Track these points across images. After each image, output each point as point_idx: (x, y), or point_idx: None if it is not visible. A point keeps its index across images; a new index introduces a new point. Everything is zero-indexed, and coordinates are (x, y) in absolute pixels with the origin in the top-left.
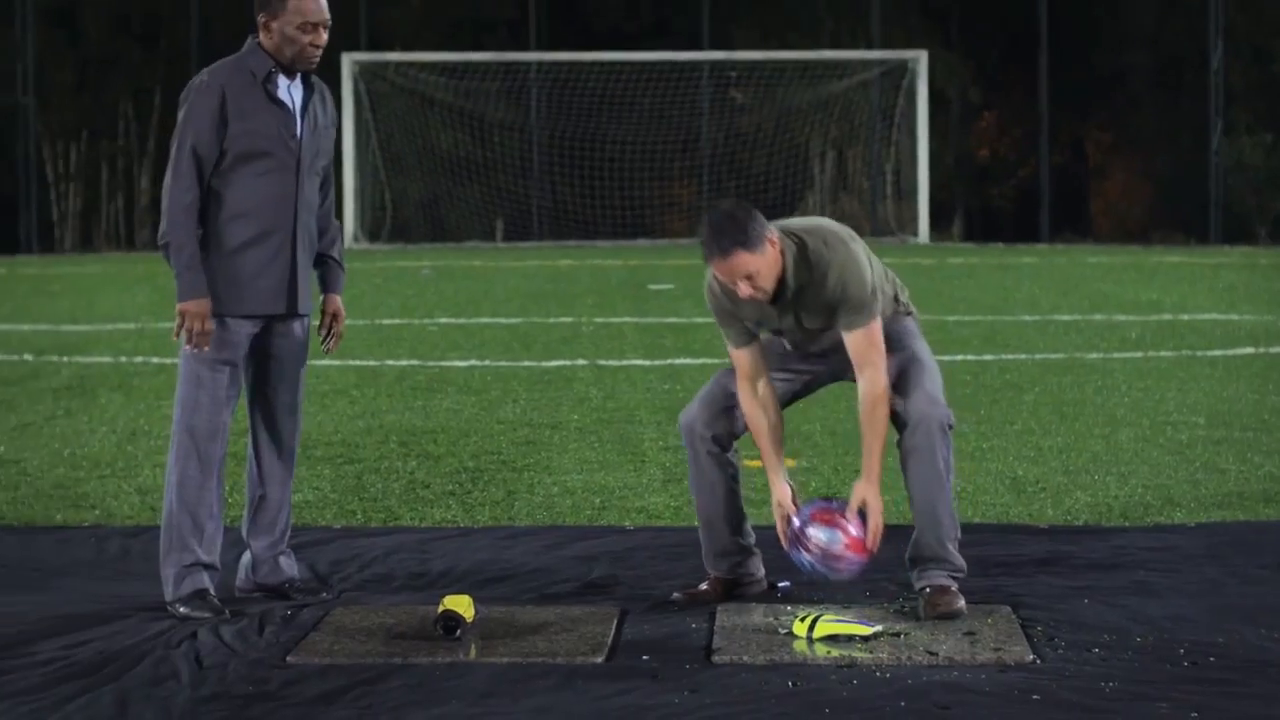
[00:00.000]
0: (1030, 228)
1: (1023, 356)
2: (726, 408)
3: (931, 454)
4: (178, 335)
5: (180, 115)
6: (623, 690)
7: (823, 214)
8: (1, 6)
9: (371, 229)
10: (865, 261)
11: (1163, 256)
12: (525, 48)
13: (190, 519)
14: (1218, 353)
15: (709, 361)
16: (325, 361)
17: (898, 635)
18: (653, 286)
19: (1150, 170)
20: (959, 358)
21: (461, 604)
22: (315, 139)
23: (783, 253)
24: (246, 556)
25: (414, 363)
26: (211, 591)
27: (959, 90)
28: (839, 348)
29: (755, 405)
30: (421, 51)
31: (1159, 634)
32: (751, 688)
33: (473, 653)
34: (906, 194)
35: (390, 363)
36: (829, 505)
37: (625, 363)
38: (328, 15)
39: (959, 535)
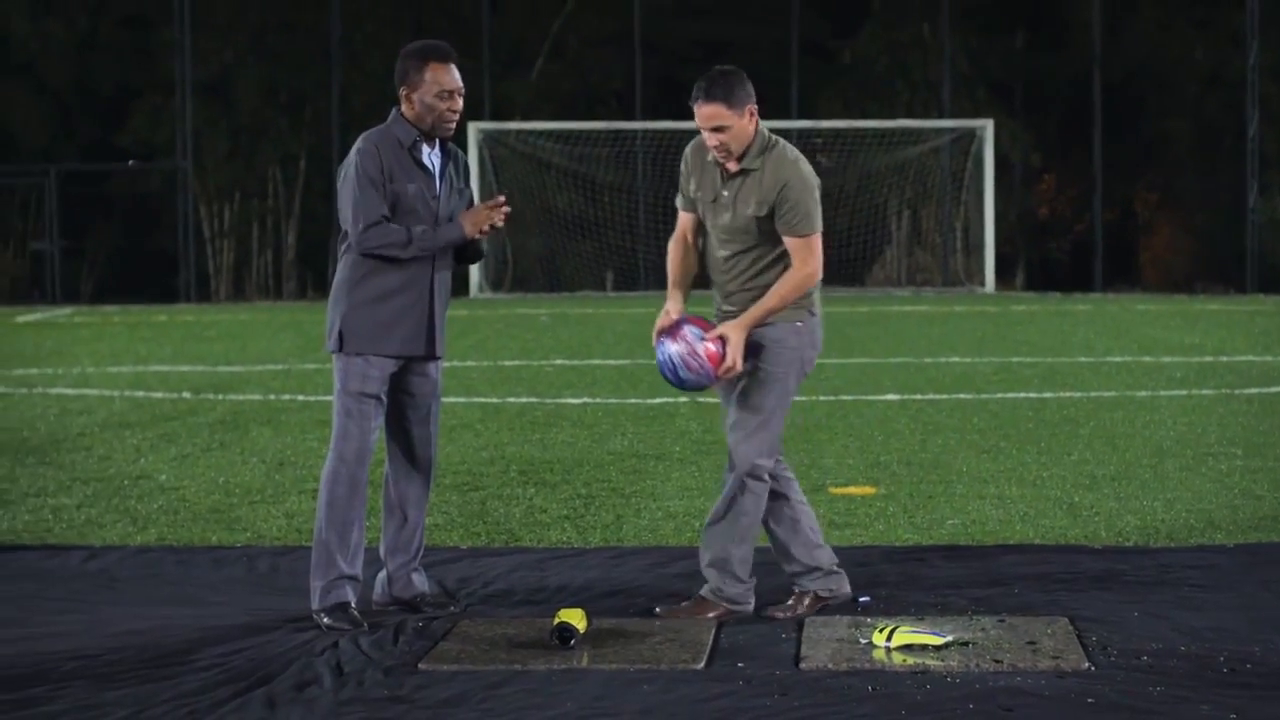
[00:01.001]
0: (1085, 278)
1: (1079, 394)
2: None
3: (725, 499)
4: (482, 230)
5: (352, 173)
6: (719, 694)
7: (900, 266)
8: (163, 81)
9: (495, 280)
10: (812, 184)
11: (1204, 304)
12: (632, 117)
13: (337, 536)
14: (1254, 391)
15: (797, 398)
16: (452, 399)
17: (966, 645)
18: None
19: (1193, 226)
20: (1022, 395)
21: (575, 616)
22: (451, 200)
23: (757, 132)
24: (383, 574)
25: (532, 400)
26: (353, 604)
27: (1022, 155)
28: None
29: (680, 250)
30: (540, 121)
31: (1201, 644)
32: (835, 692)
33: (585, 660)
34: (974, 248)
35: (511, 400)
36: (706, 321)
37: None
38: (461, 83)
39: (734, 570)
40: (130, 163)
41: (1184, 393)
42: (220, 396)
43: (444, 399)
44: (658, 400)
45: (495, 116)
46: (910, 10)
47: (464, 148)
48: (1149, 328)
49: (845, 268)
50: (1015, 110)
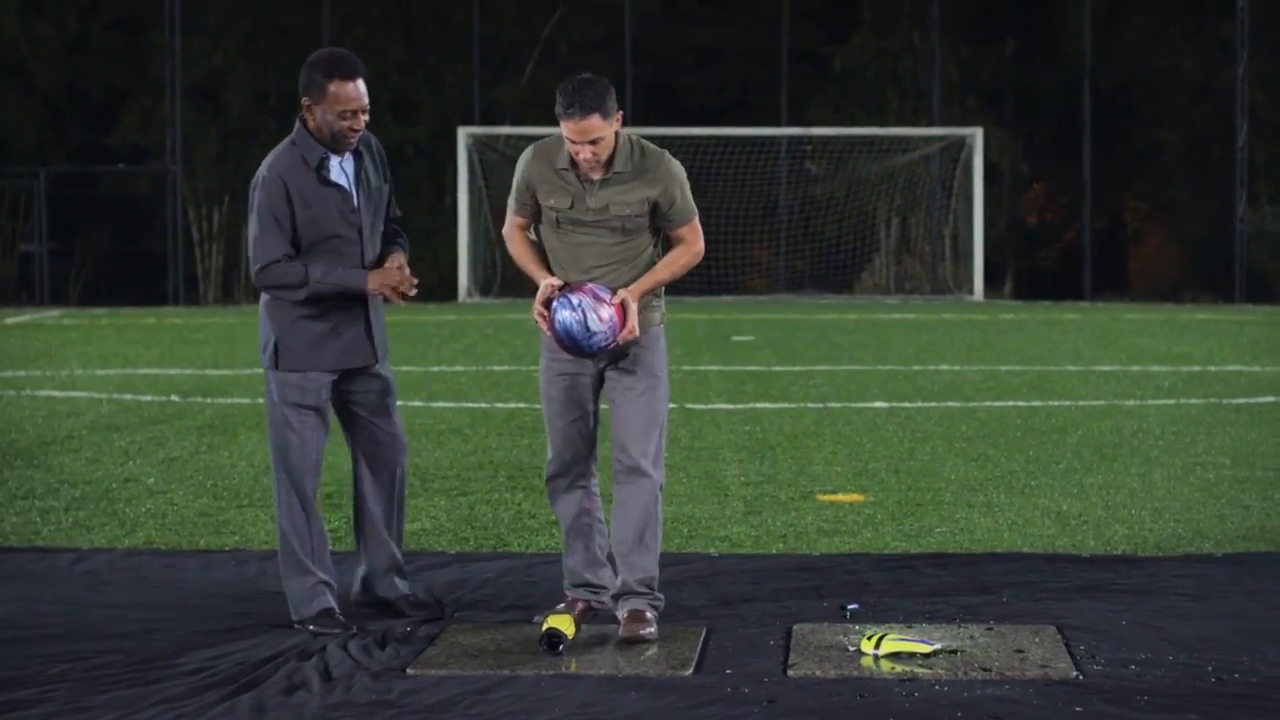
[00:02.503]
0: (1074, 287)
1: (1067, 403)
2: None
3: (645, 514)
4: (396, 293)
5: (253, 201)
6: (707, 701)
7: (888, 274)
8: (152, 84)
9: (483, 285)
10: (684, 174)
11: (1192, 314)
12: (622, 123)
13: (302, 545)
14: (1242, 401)
15: (785, 406)
16: (441, 404)
17: (955, 653)
18: (735, 338)
19: (1182, 236)
20: (1010, 404)
21: (563, 622)
22: (371, 204)
23: (617, 136)
24: (361, 570)
25: (521, 405)
26: (336, 609)
27: (1011, 164)
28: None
29: (523, 237)
30: (529, 126)
31: (1189, 653)
32: (823, 700)
33: (573, 666)
34: (963, 256)
35: (500, 405)
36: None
37: (710, 406)
38: (365, 101)
39: (656, 574)
40: (120, 165)
41: (1172, 402)
42: (208, 400)
43: (433, 404)
44: None
45: (485, 121)
46: (900, 18)
47: (453, 152)
48: (1137, 337)
49: (834, 275)
50: (1005, 119)
